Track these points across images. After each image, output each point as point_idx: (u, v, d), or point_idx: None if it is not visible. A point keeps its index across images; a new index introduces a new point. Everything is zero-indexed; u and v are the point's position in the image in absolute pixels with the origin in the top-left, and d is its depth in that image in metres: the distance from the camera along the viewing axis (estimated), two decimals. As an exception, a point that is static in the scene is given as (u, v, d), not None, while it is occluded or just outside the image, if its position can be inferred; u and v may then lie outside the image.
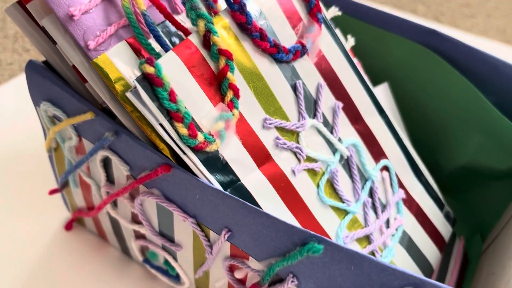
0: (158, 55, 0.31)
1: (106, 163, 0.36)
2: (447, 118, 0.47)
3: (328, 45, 0.37)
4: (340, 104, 0.38)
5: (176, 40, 0.33)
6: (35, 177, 0.52)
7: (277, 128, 0.34)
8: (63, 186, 0.43)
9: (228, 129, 0.31)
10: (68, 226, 0.48)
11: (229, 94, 0.31)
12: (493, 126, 0.45)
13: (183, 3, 0.31)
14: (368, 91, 0.40)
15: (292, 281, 0.29)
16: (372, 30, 0.47)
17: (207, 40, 0.30)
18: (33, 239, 0.47)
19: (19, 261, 0.45)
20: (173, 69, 0.29)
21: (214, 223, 0.31)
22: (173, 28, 0.33)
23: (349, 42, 0.46)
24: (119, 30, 0.31)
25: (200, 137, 0.29)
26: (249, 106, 0.32)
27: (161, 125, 0.29)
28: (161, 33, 0.31)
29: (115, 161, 0.33)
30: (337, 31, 0.40)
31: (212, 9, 0.35)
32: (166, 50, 0.31)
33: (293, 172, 0.34)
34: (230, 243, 0.31)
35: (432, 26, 0.45)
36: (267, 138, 0.33)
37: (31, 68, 0.35)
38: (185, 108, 0.29)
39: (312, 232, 0.27)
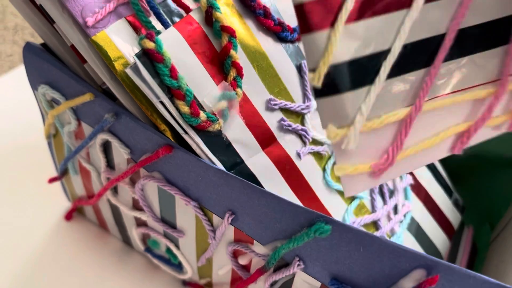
0: (159, 33, 0.30)
1: (106, 147, 0.35)
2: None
3: None
4: None
5: (177, 19, 0.32)
6: (35, 168, 0.51)
7: (281, 109, 0.33)
8: (63, 173, 0.42)
9: (231, 109, 0.30)
10: (68, 216, 0.47)
11: (232, 73, 0.30)
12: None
13: None
14: None
15: (299, 265, 0.28)
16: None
17: (209, 16, 0.29)
18: (33, 229, 0.46)
19: (20, 252, 0.44)
20: (174, 45, 0.28)
21: (217, 206, 0.30)
22: (174, 6, 0.32)
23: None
24: (119, 7, 0.30)
25: (203, 116, 0.28)
26: (252, 86, 0.31)
27: (161, 103, 0.28)
28: (161, 11, 0.30)
29: (115, 144, 0.32)
30: None
31: None
32: (167, 28, 0.30)
33: (299, 155, 0.33)
34: (234, 227, 0.30)
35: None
36: (272, 119, 0.32)
37: (29, 50, 0.34)
38: (187, 85, 0.28)
39: (319, 213, 0.26)
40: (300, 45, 0.34)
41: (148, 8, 0.30)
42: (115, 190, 0.38)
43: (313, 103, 0.34)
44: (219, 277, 0.37)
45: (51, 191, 0.49)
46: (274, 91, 0.33)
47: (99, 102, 0.31)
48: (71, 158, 0.38)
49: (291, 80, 0.34)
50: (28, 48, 0.34)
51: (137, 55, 0.26)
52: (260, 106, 0.32)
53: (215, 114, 0.29)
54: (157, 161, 0.31)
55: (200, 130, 0.29)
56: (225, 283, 0.37)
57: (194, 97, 0.28)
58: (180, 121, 0.28)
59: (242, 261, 0.33)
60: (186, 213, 0.33)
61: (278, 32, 0.32)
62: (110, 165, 0.36)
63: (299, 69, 0.34)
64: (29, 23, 0.33)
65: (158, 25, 0.30)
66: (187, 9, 0.32)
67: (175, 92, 0.27)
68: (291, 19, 0.34)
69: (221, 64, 0.30)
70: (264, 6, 0.32)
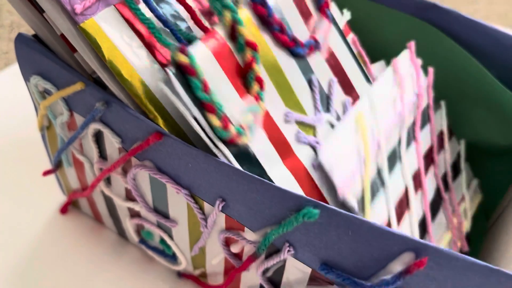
0: (150, 21, 0.30)
1: (98, 138, 0.35)
2: (449, 94, 0.46)
3: (336, 42, 0.38)
4: (350, 100, 0.38)
5: (165, 5, 0.32)
6: (30, 162, 0.51)
7: (296, 122, 0.34)
8: (57, 166, 0.42)
9: (256, 122, 0.30)
10: (64, 210, 0.47)
11: (255, 87, 0.30)
12: (496, 100, 0.43)
13: None
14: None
15: (289, 251, 0.28)
16: (370, 5, 0.46)
17: (233, 31, 0.29)
18: (28, 223, 0.46)
19: (15, 246, 0.44)
20: (203, 59, 0.28)
21: (207, 193, 0.30)
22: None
23: (345, 16, 0.45)
24: (108, -5, 0.30)
25: (232, 129, 0.28)
26: (271, 99, 0.32)
27: (193, 116, 0.28)
28: (150, -2, 0.30)
29: (107, 134, 0.33)
30: (333, 5, 0.39)
31: None
32: (157, 15, 0.30)
33: (313, 166, 0.34)
34: (225, 214, 0.30)
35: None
36: (289, 131, 0.33)
37: (21, 41, 0.34)
38: (218, 100, 0.28)
39: (307, 197, 0.26)
40: (310, 60, 0.35)
41: (137, -4, 0.30)
42: (108, 181, 0.38)
43: (323, 115, 0.35)
44: (212, 267, 0.37)
45: (46, 185, 0.49)
46: (289, 104, 0.33)
47: (90, 91, 0.31)
48: (65, 150, 0.38)
49: (303, 94, 0.34)
50: (20, 39, 0.34)
51: (171, 69, 0.26)
52: (278, 119, 0.32)
53: (243, 128, 0.29)
54: (148, 149, 0.31)
55: (230, 144, 0.29)
56: (219, 273, 0.38)
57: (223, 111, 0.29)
58: (211, 135, 0.28)
59: (234, 249, 0.33)
60: (178, 202, 0.33)
61: (292, 47, 0.33)
62: (102, 155, 0.36)
63: (310, 83, 0.35)
64: (19, 13, 0.33)
65: (147, 12, 0.31)
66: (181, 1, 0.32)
67: (206, 106, 0.27)
68: (300, 35, 0.34)
69: (244, 78, 0.30)
70: (280, 22, 0.32)
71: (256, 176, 0.27)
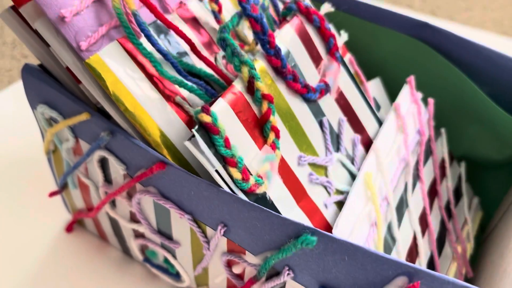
0: (150, 54, 0.31)
1: (103, 163, 0.36)
2: (442, 111, 0.47)
3: (345, 81, 0.39)
4: (359, 137, 0.39)
5: (166, 38, 0.33)
6: (35, 181, 0.52)
7: (309, 164, 0.35)
8: (63, 188, 0.44)
9: (273, 170, 0.32)
10: (69, 228, 0.48)
11: (271, 136, 0.32)
12: (488, 117, 0.45)
13: (222, 47, 0.31)
14: (379, 122, 0.42)
15: (288, 274, 0.30)
16: (365, 24, 0.48)
17: (251, 85, 0.31)
18: (34, 241, 0.47)
19: (21, 264, 0.46)
20: (224, 116, 0.30)
21: (210, 218, 0.31)
22: (164, 28, 0.34)
23: (342, 37, 0.46)
24: (111, 30, 0.31)
25: (252, 180, 0.30)
26: (286, 145, 0.34)
27: (216, 171, 0.29)
28: (152, 33, 0.32)
29: (112, 160, 0.34)
30: (331, 27, 0.40)
31: (217, 20, 0.37)
32: (158, 49, 0.31)
33: (325, 205, 0.35)
34: (227, 238, 0.32)
35: (428, 20, 0.46)
36: (302, 174, 0.34)
37: (28, 71, 0.35)
38: (238, 153, 0.30)
39: (305, 225, 0.27)
40: (321, 102, 0.37)
41: (139, 30, 0.31)
42: (113, 204, 0.39)
43: (334, 155, 0.37)
44: (215, 285, 0.38)
45: (52, 204, 0.50)
46: (302, 148, 0.35)
47: (95, 121, 0.33)
48: (70, 173, 0.39)
49: (315, 136, 0.36)
50: (27, 69, 0.35)
51: (196, 129, 0.28)
52: (292, 163, 0.34)
53: (261, 177, 0.31)
54: (152, 177, 0.32)
55: (249, 193, 0.30)
56: (222, 290, 0.39)
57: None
58: (232, 186, 0.29)
59: (236, 270, 0.34)
60: (181, 225, 0.35)
61: (304, 93, 0.35)
62: (107, 179, 0.37)
63: (321, 125, 0.36)
64: (26, 45, 0.34)
65: (148, 46, 0.32)
66: (177, 30, 0.33)
67: (228, 160, 0.29)
68: (311, 79, 0.36)
69: (260, 128, 0.32)
70: (293, 71, 0.34)
71: (255, 204, 0.28)
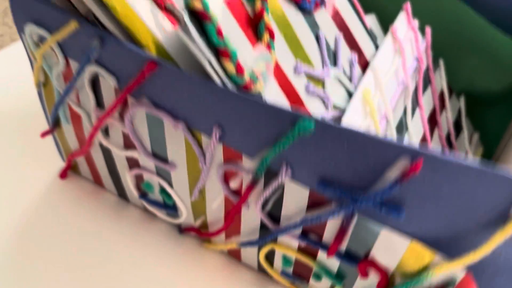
0: None
1: (94, 84, 0.35)
2: (440, 42, 0.46)
3: (341, 3, 0.38)
4: (356, 57, 0.38)
5: None
6: (27, 133, 0.52)
7: (306, 75, 0.34)
8: (55, 125, 0.43)
9: (268, 71, 0.31)
10: (63, 174, 0.47)
11: (266, 36, 0.31)
12: (488, 44, 0.44)
13: None
14: (375, 46, 0.41)
15: (286, 171, 0.29)
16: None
17: None
18: (28, 189, 0.46)
19: (15, 212, 0.45)
20: (215, 8, 0.29)
21: (204, 123, 0.30)
22: None
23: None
24: None
25: (246, 75, 0.29)
26: (281, 51, 0.33)
27: (208, 62, 0.28)
28: None
29: (103, 74, 0.33)
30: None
31: None
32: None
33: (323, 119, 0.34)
34: (223, 145, 0.31)
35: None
36: (299, 84, 0.34)
37: (14, -9, 0.34)
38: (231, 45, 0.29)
39: (302, 112, 0.26)
40: (316, 15, 0.36)
41: None
42: (106, 133, 0.38)
43: (331, 70, 0.36)
44: (213, 213, 0.37)
45: (45, 152, 0.49)
46: (298, 57, 0.34)
47: (84, 30, 0.32)
48: (62, 103, 0.38)
49: (311, 49, 0.35)
50: (13, -12, 0.34)
51: (187, 15, 0.27)
52: (289, 71, 0.33)
53: (256, 75, 0.30)
54: (144, 85, 0.31)
55: (244, 92, 0.29)
56: (219, 219, 0.38)
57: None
58: (225, 80, 0.29)
59: (234, 184, 0.33)
60: (176, 142, 0.34)
61: (299, 2, 0.34)
62: (99, 103, 0.36)
63: (317, 38, 0.36)
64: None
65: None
66: None
67: (221, 51, 0.28)
68: None
69: (254, 28, 0.31)
70: None
71: (251, 95, 0.28)
